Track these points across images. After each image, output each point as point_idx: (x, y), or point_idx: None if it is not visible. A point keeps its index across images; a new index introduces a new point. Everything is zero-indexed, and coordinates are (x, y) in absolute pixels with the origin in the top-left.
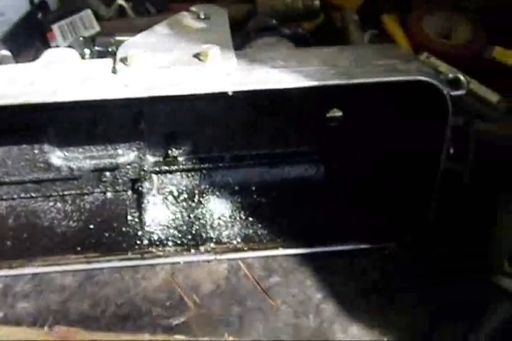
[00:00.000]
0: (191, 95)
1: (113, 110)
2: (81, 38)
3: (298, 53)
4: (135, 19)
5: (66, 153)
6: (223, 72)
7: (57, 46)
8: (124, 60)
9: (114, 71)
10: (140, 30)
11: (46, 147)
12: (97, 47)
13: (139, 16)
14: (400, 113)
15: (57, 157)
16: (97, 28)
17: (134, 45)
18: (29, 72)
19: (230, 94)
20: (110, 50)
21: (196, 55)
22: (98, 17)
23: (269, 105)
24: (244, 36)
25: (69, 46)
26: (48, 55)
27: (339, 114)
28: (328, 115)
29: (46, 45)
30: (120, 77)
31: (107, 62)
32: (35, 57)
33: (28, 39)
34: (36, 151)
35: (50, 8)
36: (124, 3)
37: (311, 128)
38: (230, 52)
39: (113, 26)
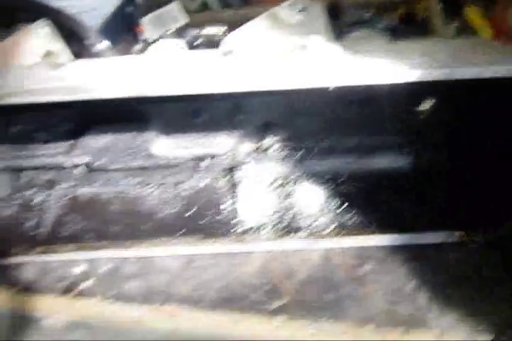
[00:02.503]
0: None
1: (214, 102)
2: (169, 31)
3: (395, 47)
4: (220, 12)
5: (168, 142)
6: (327, 65)
7: (146, 39)
8: (229, 53)
9: (221, 63)
10: (226, 23)
11: (150, 136)
12: (185, 40)
13: (223, 9)
14: (496, 106)
15: (159, 146)
16: (185, 21)
17: (237, 39)
18: (140, 63)
19: (331, 89)
20: (198, 42)
21: (298, 48)
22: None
23: (363, 98)
24: (337, 30)
25: (158, 39)
26: (156, 46)
27: (430, 107)
28: (419, 108)
29: (136, 38)
30: (228, 69)
31: (213, 53)
32: (126, 50)
33: (120, 32)
34: (141, 140)
35: (138, 2)
36: None
37: (402, 120)
38: (330, 44)
39: (199, 19)
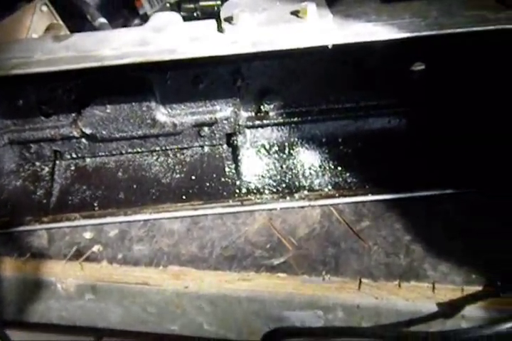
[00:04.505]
0: (295, 50)
1: (214, 69)
2: (167, 5)
3: (388, 8)
4: None
5: (170, 110)
6: (322, 27)
7: (145, 14)
8: (228, 20)
9: (220, 30)
10: None
11: (153, 105)
12: (182, 13)
13: None
14: (485, 61)
15: (162, 114)
16: None
17: (234, 6)
18: (142, 34)
19: (330, 47)
20: (195, 15)
21: (294, 13)
22: None
23: (356, 60)
24: None
25: None
26: (154, 18)
27: (422, 67)
28: (411, 68)
29: (133, 13)
30: (228, 35)
31: (211, 22)
32: (124, 26)
33: (117, 8)
34: (144, 109)
35: None
36: None
37: (395, 81)
38: (325, 9)
39: None
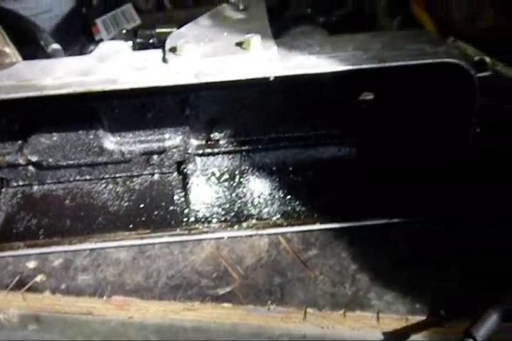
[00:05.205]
0: (237, 81)
1: (161, 98)
2: (123, 31)
3: (333, 40)
4: (173, 11)
5: (118, 138)
6: (266, 59)
7: (101, 39)
8: (173, 50)
9: (165, 60)
10: (179, 22)
11: (101, 133)
12: (138, 40)
13: (176, 9)
14: (429, 94)
15: (110, 142)
16: (138, 21)
17: (181, 36)
18: (86, 63)
19: (272, 79)
20: (151, 41)
21: (239, 44)
22: (137, 10)
23: (304, 90)
24: (280, 25)
25: (112, 39)
26: (101, 47)
27: (370, 97)
28: (359, 98)
29: (91, 39)
30: (171, 65)
31: (157, 52)
32: (81, 51)
33: (74, 34)
34: (91, 137)
35: (93, 3)
36: None
37: (343, 111)
38: (270, 40)
39: (153, 19)
